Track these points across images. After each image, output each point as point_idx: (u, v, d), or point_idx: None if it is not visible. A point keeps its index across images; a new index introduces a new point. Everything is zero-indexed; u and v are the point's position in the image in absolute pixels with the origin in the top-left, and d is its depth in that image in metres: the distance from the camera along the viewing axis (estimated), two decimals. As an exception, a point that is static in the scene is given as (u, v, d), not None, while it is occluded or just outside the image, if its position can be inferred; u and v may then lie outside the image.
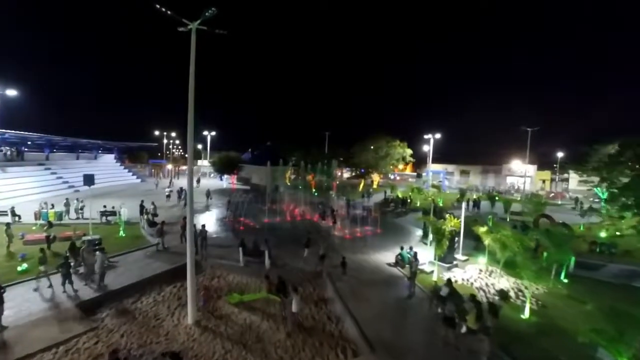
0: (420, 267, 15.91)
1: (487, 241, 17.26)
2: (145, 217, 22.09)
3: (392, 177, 63.65)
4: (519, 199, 48.00)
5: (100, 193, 38.22)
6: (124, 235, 20.71)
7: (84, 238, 19.34)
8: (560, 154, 62.20)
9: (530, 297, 12.82)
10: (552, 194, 57.97)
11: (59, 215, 24.13)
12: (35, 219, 23.32)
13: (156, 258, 16.68)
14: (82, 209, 25.25)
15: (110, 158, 57.20)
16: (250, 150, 60.40)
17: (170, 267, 14.86)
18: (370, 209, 32.43)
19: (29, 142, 44.11)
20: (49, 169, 40.84)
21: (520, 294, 14.45)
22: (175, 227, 21.47)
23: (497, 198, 34.15)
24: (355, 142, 57.51)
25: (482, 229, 17.87)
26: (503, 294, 13.55)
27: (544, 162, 69.05)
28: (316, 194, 44.64)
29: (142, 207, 23.57)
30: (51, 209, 24.12)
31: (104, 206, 24.51)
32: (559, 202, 47.39)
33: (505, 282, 15.61)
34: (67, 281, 12.62)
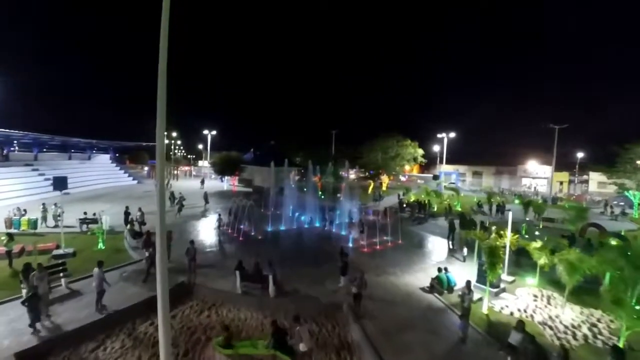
0: (457, 289, 12.67)
1: (542, 260, 14.00)
2: (129, 226, 18.78)
3: (402, 178, 60.25)
4: (540, 202, 44.77)
5: (90, 196, 35.32)
6: (102, 247, 17.62)
7: (55, 252, 16.37)
8: (580, 155, 58.82)
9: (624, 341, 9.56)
10: (573, 197, 54.28)
11: (34, 223, 21.09)
12: (6, 227, 20.30)
13: (134, 280, 13.53)
14: (60, 215, 22.15)
15: (105, 158, 54.34)
16: (252, 150, 57.29)
17: (148, 296, 11.66)
18: (386, 215, 29.20)
19: (15, 142, 41.24)
20: (37, 169, 37.95)
21: (595, 330, 11.21)
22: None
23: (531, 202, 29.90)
24: (362, 141, 54.38)
25: (535, 245, 14.62)
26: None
27: (561, 163, 65.45)
28: (322, 196, 41.49)
29: (127, 213, 20.45)
30: (24, 215, 21.10)
31: (85, 212, 21.41)
32: (584, 205, 43.75)
33: (570, 312, 12.32)
34: (37, 317, 9.63)
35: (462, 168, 71.88)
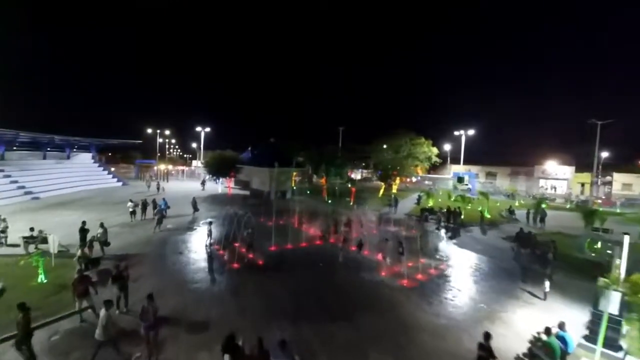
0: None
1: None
2: (79, 252, 13.37)
3: (414, 179, 55.41)
4: (568, 205, 40.16)
5: (64, 201, 30.27)
6: (44, 281, 12.64)
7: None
8: (604, 154, 54.18)
9: None
10: (600, 200, 49.54)
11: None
12: None
13: (69, 345, 8.63)
14: (4, 231, 17.13)
15: (86, 157, 49.08)
16: (250, 148, 52.23)
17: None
18: (412, 227, 24.40)
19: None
20: (2, 171, 32.84)
21: None
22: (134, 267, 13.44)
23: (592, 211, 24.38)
24: (370, 139, 49.54)
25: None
26: None
27: (582, 164, 60.93)
28: (329, 201, 36.65)
29: (83, 230, 15.35)
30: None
31: (31, 229, 16.36)
32: (617, 210, 39.13)
33: None
34: None
35: (474, 168, 67.06)
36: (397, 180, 47.61)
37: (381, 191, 43.66)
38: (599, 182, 58.47)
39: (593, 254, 19.32)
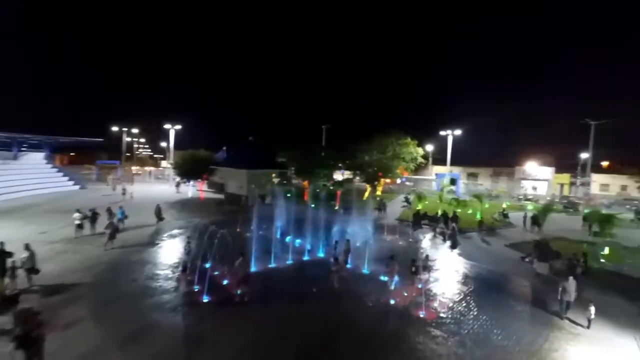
0: None
1: None
2: None
3: (399, 181, 53.56)
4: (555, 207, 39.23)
5: (3, 209, 25.51)
6: None
7: None
8: (584, 155, 54.43)
9: None
10: (585, 200, 49.17)
11: None
12: None
13: None
14: None
15: (38, 158, 43.55)
16: (225, 148, 48.39)
17: None
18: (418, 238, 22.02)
19: None
20: None
21: None
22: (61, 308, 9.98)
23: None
24: (353, 140, 47.06)
25: None
26: None
27: (560, 165, 61.27)
28: (313, 205, 33.73)
29: (1, 254, 11.56)
30: None
31: None
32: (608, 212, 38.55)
33: None
34: None
35: (455, 169, 66.23)
36: (382, 182, 45.50)
37: (366, 194, 41.22)
38: (578, 183, 58.99)
39: (609, 263, 17.56)
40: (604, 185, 58.79)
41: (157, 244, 17.93)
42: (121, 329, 9.51)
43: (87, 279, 12.88)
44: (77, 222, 17.96)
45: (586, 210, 31.74)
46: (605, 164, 70.02)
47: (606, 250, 18.68)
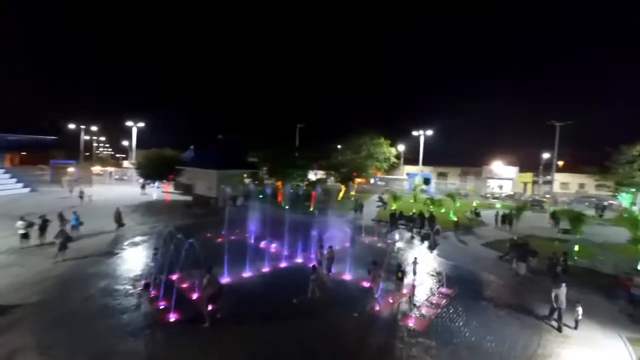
0: None
1: None
2: None
3: (372, 181, 53.65)
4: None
5: None
6: None
7: None
8: (545, 155, 57.22)
9: None
10: (551, 198, 51.37)
11: None
12: None
13: None
14: None
15: (-21, 157, 39.26)
16: (192, 147, 46.06)
17: None
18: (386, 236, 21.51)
19: None
20: None
21: None
22: None
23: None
24: (328, 139, 46.55)
25: None
26: None
27: (524, 165, 64.06)
28: (287, 207, 32.63)
29: None
30: None
31: None
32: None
33: None
34: None
35: (426, 169, 67.55)
36: (356, 182, 45.27)
37: (341, 194, 40.72)
38: (540, 182, 61.94)
39: (582, 260, 17.97)
40: (563, 184, 62.04)
41: (117, 253, 16.14)
42: (71, 358, 8.06)
43: (33, 297, 11.13)
44: (22, 231, 15.75)
45: (552, 208, 32.97)
46: (561, 163, 74.35)
47: (576, 248, 19.09)
